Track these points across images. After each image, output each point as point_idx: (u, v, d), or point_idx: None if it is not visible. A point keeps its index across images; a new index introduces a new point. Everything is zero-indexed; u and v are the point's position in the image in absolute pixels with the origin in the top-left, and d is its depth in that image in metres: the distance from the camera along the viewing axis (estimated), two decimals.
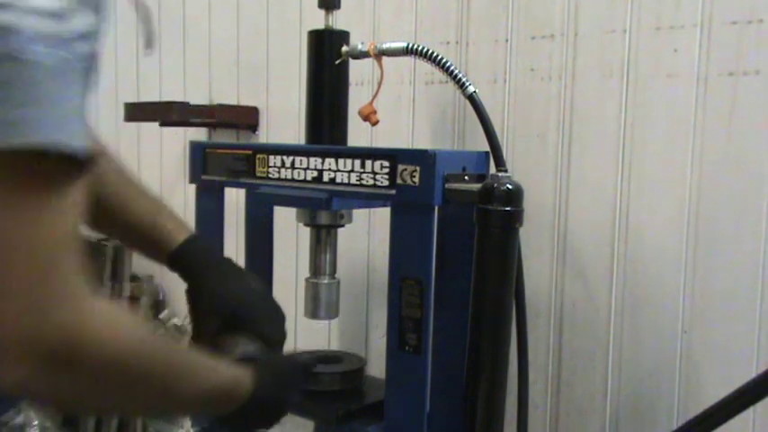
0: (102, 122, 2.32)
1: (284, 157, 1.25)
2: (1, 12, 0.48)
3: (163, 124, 1.90)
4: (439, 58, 1.22)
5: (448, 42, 1.45)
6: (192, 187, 1.41)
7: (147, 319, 2.15)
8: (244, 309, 0.91)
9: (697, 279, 1.18)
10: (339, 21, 1.30)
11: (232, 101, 1.88)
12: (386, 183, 1.12)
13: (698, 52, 1.16)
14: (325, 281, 1.32)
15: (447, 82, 1.30)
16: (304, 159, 1.22)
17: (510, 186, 1.05)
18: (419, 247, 1.10)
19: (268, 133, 1.82)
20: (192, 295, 0.93)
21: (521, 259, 1.15)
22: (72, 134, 0.51)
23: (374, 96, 1.30)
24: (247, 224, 1.42)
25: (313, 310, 1.33)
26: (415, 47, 1.23)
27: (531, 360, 1.24)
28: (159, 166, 2.15)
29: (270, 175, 1.27)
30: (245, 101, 1.87)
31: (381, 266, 1.53)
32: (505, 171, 1.17)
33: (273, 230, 1.43)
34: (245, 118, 1.84)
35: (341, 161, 1.17)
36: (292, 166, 1.24)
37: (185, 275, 0.93)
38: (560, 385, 1.35)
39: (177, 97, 1.99)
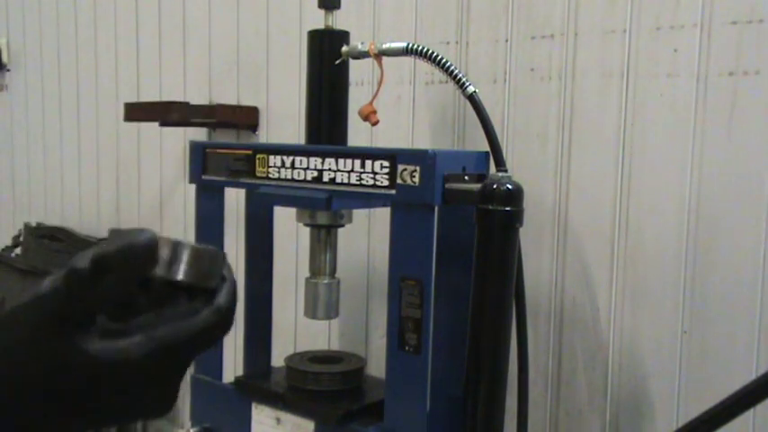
0: (102, 122, 2.33)
1: (284, 157, 1.25)
2: None
3: (163, 124, 1.90)
4: (439, 58, 1.22)
5: (448, 42, 1.45)
6: (192, 187, 1.41)
7: None
8: None
9: (697, 279, 1.18)
10: (339, 21, 1.30)
11: (232, 101, 1.88)
12: (386, 183, 1.12)
13: (698, 52, 1.16)
14: (325, 281, 1.32)
15: (447, 82, 1.30)
16: (304, 159, 1.22)
17: (510, 186, 1.05)
18: (419, 247, 1.10)
19: (268, 133, 1.82)
20: None
21: (521, 259, 1.15)
22: None
23: (374, 96, 1.30)
24: (247, 224, 1.43)
25: (313, 310, 1.33)
26: (415, 47, 1.23)
27: (531, 360, 1.24)
28: (159, 166, 2.15)
29: (270, 175, 1.27)
30: (245, 101, 1.86)
31: (381, 266, 1.53)
32: (505, 171, 1.17)
33: (273, 230, 1.43)
34: (245, 118, 1.84)
35: (341, 161, 1.17)
36: (292, 166, 1.24)
37: None
38: (560, 385, 1.35)
39: (177, 97, 1.99)
